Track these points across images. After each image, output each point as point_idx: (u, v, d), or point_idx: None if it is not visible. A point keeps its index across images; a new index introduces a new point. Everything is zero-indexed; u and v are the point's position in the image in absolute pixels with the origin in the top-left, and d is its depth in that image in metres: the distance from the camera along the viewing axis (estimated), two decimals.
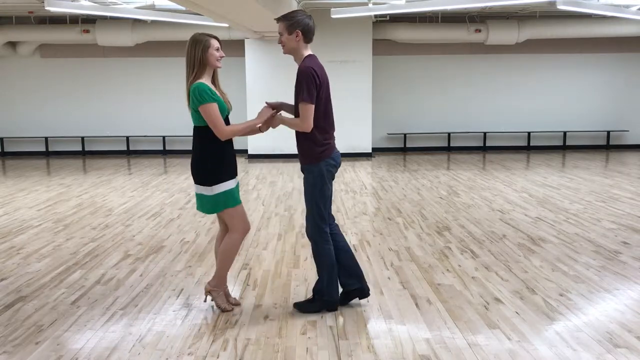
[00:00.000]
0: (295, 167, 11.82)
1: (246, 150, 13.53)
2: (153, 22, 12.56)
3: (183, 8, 9.16)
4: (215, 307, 4.06)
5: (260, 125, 3.93)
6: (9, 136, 14.67)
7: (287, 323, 3.80)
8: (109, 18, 12.99)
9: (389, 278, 4.70)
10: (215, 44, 3.83)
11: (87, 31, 13.15)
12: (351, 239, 5.99)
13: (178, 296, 4.34)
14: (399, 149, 14.67)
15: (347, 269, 4.04)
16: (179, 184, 9.81)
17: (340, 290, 4.08)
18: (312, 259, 5.22)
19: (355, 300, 4.16)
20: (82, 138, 14.59)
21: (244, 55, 13.06)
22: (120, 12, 10.42)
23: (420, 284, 4.56)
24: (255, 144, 13.23)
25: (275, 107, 3.97)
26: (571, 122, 14.81)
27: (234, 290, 4.45)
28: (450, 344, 3.44)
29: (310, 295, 4.24)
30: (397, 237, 6.07)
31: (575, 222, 6.63)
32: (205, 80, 3.81)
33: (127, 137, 14.53)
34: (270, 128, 3.99)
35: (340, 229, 6.33)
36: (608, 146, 14.89)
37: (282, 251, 5.56)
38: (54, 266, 5.13)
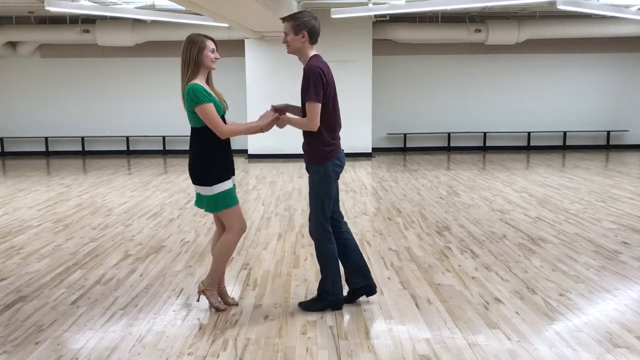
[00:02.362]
0: (295, 167, 11.82)
1: (246, 150, 13.52)
2: (153, 22, 12.57)
3: (183, 8, 9.16)
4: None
5: (262, 127, 3.93)
6: (9, 136, 14.67)
7: (287, 323, 3.80)
8: (109, 18, 12.99)
9: (389, 278, 4.70)
10: (210, 45, 3.83)
11: (87, 31, 13.16)
12: None
13: (178, 296, 4.34)
14: (399, 149, 14.67)
15: (356, 268, 4.06)
16: (179, 184, 9.81)
17: (347, 288, 4.09)
18: (312, 258, 5.25)
19: (356, 300, 4.16)
20: (82, 138, 14.59)
21: (244, 55, 13.06)
22: (120, 12, 10.42)
23: (420, 284, 4.55)
24: (255, 144, 13.23)
25: (280, 110, 3.97)
26: (571, 122, 14.81)
27: (234, 290, 4.45)
28: (450, 344, 3.44)
29: (309, 295, 4.24)
30: (397, 237, 6.07)
31: (575, 222, 6.63)
32: (200, 81, 3.81)
33: (127, 137, 14.53)
34: (275, 127, 4.00)
35: None
36: (608, 146, 14.89)
37: (282, 251, 5.56)
38: (54, 266, 5.13)
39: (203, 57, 3.79)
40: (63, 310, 4.06)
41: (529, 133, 14.70)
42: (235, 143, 14.43)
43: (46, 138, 14.54)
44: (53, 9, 9.47)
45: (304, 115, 3.83)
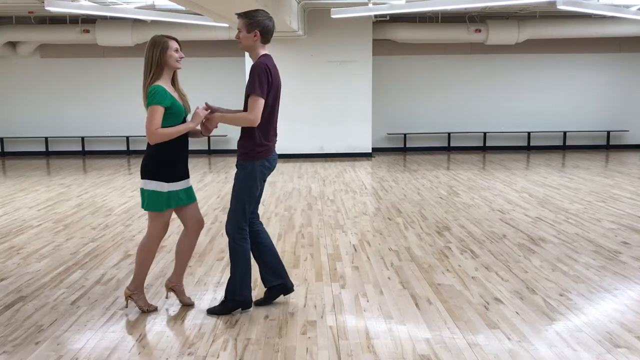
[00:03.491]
0: (295, 167, 11.82)
1: None
2: (153, 22, 12.57)
3: (183, 8, 9.16)
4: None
5: (202, 130, 3.94)
6: (9, 136, 14.67)
7: (287, 323, 3.79)
8: (109, 18, 12.99)
9: (389, 278, 4.70)
10: (174, 44, 3.83)
11: (87, 31, 13.16)
12: (351, 239, 5.99)
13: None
14: (399, 149, 14.67)
15: (270, 267, 4.06)
16: None
17: (264, 288, 4.12)
18: (313, 259, 5.26)
19: (356, 300, 4.17)
20: (82, 138, 14.59)
21: (243, 55, 13.06)
22: (120, 12, 10.43)
23: (420, 284, 4.55)
24: None
25: (213, 109, 3.92)
26: (571, 122, 14.81)
27: None
28: (450, 344, 3.44)
29: (310, 294, 4.24)
30: (397, 237, 6.07)
31: (575, 222, 6.63)
32: (164, 82, 3.80)
33: (127, 137, 14.53)
34: (213, 130, 3.99)
35: (341, 229, 6.35)
36: (608, 146, 14.89)
37: (282, 251, 5.56)
38: (54, 266, 5.13)
39: (167, 57, 3.79)
40: (63, 310, 4.06)
41: (529, 133, 14.70)
42: (236, 143, 14.46)
43: (46, 138, 14.54)
44: (53, 9, 9.47)
45: (245, 110, 3.82)
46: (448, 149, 14.70)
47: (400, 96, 14.55)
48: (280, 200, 8.21)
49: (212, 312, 3.98)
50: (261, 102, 3.71)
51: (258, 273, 4.15)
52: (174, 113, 3.82)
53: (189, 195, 3.99)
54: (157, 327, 3.77)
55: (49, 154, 14.59)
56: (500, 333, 3.59)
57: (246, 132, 3.84)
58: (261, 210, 7.55)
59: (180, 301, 4.14)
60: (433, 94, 14.63)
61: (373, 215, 7.13)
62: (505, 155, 13.83)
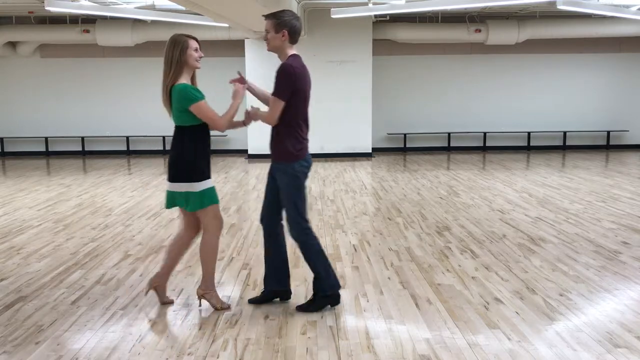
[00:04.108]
0: None
1: (246, 150, 13.53)
2: (153, 22, 12.57)
3: (183, 8, 9.16)
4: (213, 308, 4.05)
5: (244, 120, 4.04)
6: (9, 136, 14.67)
7: (287, 323, 3.79)
8: (109, 18, 12.99)
9: (389, 278, 4.70)
10: (194, 44, 3.85)
11: (87, 31, 13.15)
12: (351, 239, 5.99)
13: (178, 296, 4.34)
14: (399, 149, 14.67)
15: (274, 271, 4.08)
16: None
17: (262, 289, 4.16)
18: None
19: (356, 300, 4.17)
20: (82, 138, 14.59)
21: (244, 55, 13.07)
22: (120, 12, 10.42)
23: (420, 284, 4.55)
24: (255, 144, 13.23)
25: (245, 82, 4.01)
26: (571, 122, 14.81)
27: (234, 290, 4.45)
28: (450, 344, 3.44)
29: (309, 294, 4.24)
30: (397, 237, 6.07)
31: (575, 222, 6.63)
32: (185, 81, 3.83)
33: (127, 137, 14.53)
34: (253, 122, 4.07)
35: (341, 229, 6.35)
36: (608, 146, 14.89)
37: None
38: (54, 266, 5.13)
39: (187, 56, 3.80)
40: (63, 310, 4.06)
41: (529, 133, 14.70)
42: (236, 143, 14.50)
43: (46, 138, 14.54)
44: (53, 9, 9.47)
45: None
46: (448, 149, 14.70)
47: (400, 96, 14.55)
48: None
49: (302, 309, 3.99)
50: (280, 104, 3.77)
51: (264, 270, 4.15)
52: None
53: None
54: (157, 327, 3.77)
55: (49, 154, 14.59)
56: (500, 333, 3.59)
57: (280, 134, 3.86)
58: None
59: (161, 301, 4.15)
60: (433, 94, 14.62)
61: (373, 215, 7.13)
62: (505, 155, 13.83)
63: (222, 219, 4.07)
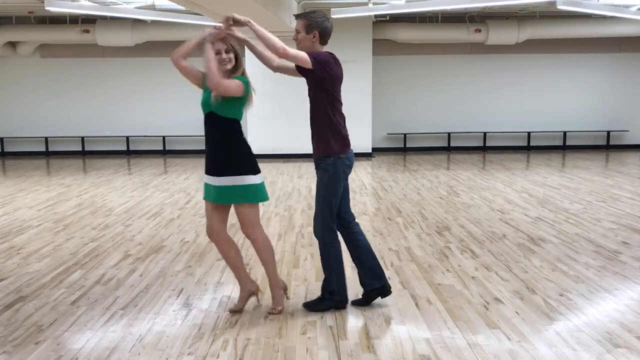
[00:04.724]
0: (294, 167, 11.82)
1: None
2: (153, 22, 12.57)
3: (183, 8, 9.16)
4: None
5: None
6: (9, 136, 14.67)
7: (287, 323, 3.79)
8: (109, 18, 12.99)
9: (389, 278, 4.68)
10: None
11: (87, 31, 13.15)
12: None
13: (178, 296, 4.34)
14: (399, 149, 14.67)
15: (369, 269, 4.04)
16: (179, 184, 9.81)
17: (362, 290, 4.09)
18: (312, 259, 5.25)
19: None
20: (82, 138, 14.59)
21: (244, 55, 13.04)
22: (120, 12, 10.42)
23: (420, 284, 4.55)
24: (255, 144, 13.17)
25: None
26: (571, 122, 14.81)
27: (234, 291, 4.45)
28: (450, 344, 3.44)
29: (309, 294, 4.24)
30: (397, 237, 6.07)
31: (575, 222, 6.63)
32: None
33: (127, 137, 14.53)
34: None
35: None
36: (608, 146, 14.89)
37: (282, 251, 5.56)
38: (54, 266, 5.13)
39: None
40: (63, 310, 4.06)
41: (529, 133, 14.70)
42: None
43: (46, 138, 14.54)
44: (53, 9, 9.47)
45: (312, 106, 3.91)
46: (448, 149, 14.70)
47: (400, 96, 14.55)
48: (280, 200, 8.21)
49: (308, 306, 4.01)
50: (306, 59, 3.65)
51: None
52: (241, 108, 3.85)
53: None
54: (157, 327, 3.77)
55: (49, 154, 14.59)
56: (500, 333, 3.59)
57: (329, 125, 3.88)
58: (261, 210, 7.55)
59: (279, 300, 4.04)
60: (433, 94, 14.62)
61: (373, 215, 7.13)
62: (505, 155, 13.83)
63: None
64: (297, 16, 3.88)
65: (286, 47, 3.62)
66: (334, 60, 3.82)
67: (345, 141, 3.96)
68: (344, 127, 3.98)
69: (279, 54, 3.66)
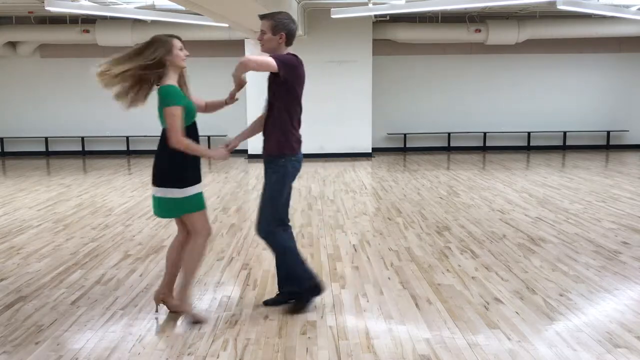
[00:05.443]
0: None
1: (246, 151, 13.53)
2: (153, 22, 12.56)
3: (183, 8, 9.15)
4: (214, 309, 4.05)
5: (227, 99, 4.00)
6: (9, 136, 14.67)
7: (287, 323, 3.79)
8: (109, 18, 12.99)
9: (389, 278, 4.70)
10: (178, 43, 3.77)
11: (87, 31, 13.16)
12: (351, 239, 5.99)
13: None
14: (399, 149, 14.67)
15: (289, 273, 4.02)
16: None
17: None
18: (312, 259, 5.25)
19: (356, 300, 4.16)
20: (82, 138, 14.59)
21: (243, 55, 13.06)
22: (120, 12, 10.42)
23: (420, 284, 4.55)
24: (256, 144, 13.21)
25: (233, 146, 3.94)
26: (571, 122, 14.81)
27: (234, 291, 4.45)
28: (450, 344, 3.44)
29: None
30: (397, 237, 6.07)
31: (575, 222, 6.63)
32: (172, 82, 3.73)
33: (127, 137, 14.53)
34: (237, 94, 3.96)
35: (341, 229, 6.35)
36: (608, 146, 14.89)
37: None
38: (54, 266, 5.13)
39: (174, 57, 3.71)
40: (63, 310, 4.06)
41: (529, 133, 14.70)
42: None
43: (46, 138, 14.54)
44: (53, 9, 9.47)
45: (269, 109, 3.88)
46: (448, 149, 14.70)
47: (400, 96, 14.55)
48: None
49: (294, 311, 3.91)
50: (273, 64, 3.62)
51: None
52: (188, 115, 3.73)
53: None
54: (157, 327, 3.77)
55: (49, 154, 14.59)
56: (500, 333, 3.59)
57: (281, 122, 3.84)
58: None
59: (172, 310, 3.99)
60: (433, 94, 14.62)
61: (373, 215, 7.13)
62: (505, 155, 13.83)
63: (209, 225, 3.94)
64: (263, 17, 3.82)
65: (251, 58, 3.64)
66: (298, 63, 3.81)
67: (298, 142, 3.96)
68: (299, 128, 3.98)
69: (249, 68, 3.64)
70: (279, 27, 3.77)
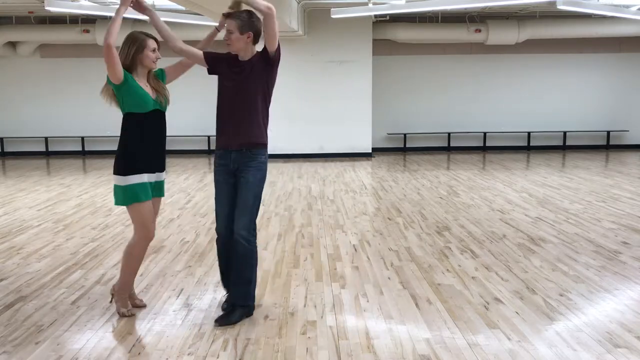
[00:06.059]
0: (294, 167, 11.81)
1: None
2: None
3: (183, 8, 9.16)
4: (218, 307, 4.05)
5: (218, 26, 3.98)
6: (9, 136, 14.67)
7: (287, 323, 3.79)
8: (109, 18, 12.98)
9: (389, 278, 4.70)
10: (152, 44, 3.78)
11: (87, 31, 13.15)
12: (351, 239, 5.99)
13: (178, 296, 4.34)
14: (399, 149, 14.67)
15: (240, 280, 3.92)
16: (178, 184, 9.81)
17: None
18: (313, 259, 5.25)
19: (356, 300, 4.17)
20: (82, 138, 14.59)
21: None
22: None
23: (420, 284, 4.55)
24: None
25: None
26: (571, 122, 14.81)
27: None
28: (450, 344, 3.44)
29: (310, 294, 4.24)
30: (397, 237, 6.07)
31: (575, 222, 6.63)
32: (140, 80, 3.76)
33: None
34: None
35: (341, 229, 6.35)
36: (608, 146, 14.89)
37: (282, 251, 5.56)
38: (54, 266, 5.13)
39: (143, 56, 3.73)
40: (63, 310, 4.06)
41: (529, 133, 14.70)
42: None
43: (46, 138, 14.54)
44: (53, 9, 9.47)
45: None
46: (448, 149, 14.70)
47: (400, 96, 14.55)
48: (280, 200, 8.21)
49: (221, 321, 3.75)
50: (277, 36, 3.68)
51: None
52: (138, 101, 3.76)
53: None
54: (157, 327, 3.77)
55: (49, 154, 14.59)
56: (500, 333, 3.59)
57: (259, 113, 3.84)
58: (261, 210, 7.55)
59: (132, 304, 4.00)
60: (433, 94, 14.62)
61: (373, 215, 7.13)
62: (505, 155, 13.83)
63: (148, 228, 3.82)
64: (228, 15, 3.74)
65: (274, 14, 3.62)
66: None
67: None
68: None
69: (267, 13, 3.57)
70: (246, 27, 3.71)
